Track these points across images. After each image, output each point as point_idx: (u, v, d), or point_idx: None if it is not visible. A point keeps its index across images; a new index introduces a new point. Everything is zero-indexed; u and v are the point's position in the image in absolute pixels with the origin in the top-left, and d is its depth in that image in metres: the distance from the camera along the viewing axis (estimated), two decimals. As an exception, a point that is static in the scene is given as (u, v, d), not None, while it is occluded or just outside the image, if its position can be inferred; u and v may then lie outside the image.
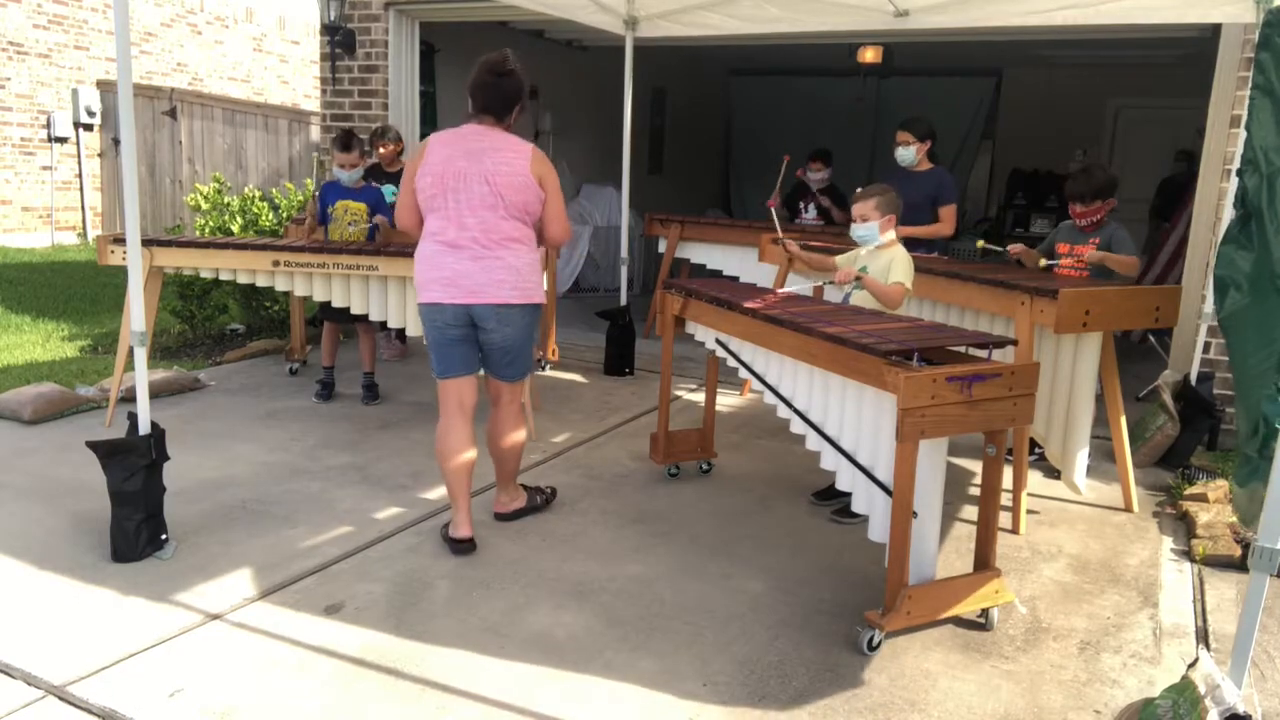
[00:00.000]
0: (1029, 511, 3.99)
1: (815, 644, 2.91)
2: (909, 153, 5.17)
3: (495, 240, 3.31)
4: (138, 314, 3.25)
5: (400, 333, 6.41)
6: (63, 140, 11.67)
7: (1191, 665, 2.29)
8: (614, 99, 6.81)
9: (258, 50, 14.23)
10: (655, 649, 2.84)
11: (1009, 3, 4.90)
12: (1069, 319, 3.63)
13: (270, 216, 6.60)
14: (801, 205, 6.92)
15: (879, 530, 3.08)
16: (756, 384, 3.62)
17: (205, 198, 6.60)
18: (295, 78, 14.80)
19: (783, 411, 3.46)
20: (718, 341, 3.84)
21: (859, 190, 3.87)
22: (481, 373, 3.55)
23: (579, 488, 4.16)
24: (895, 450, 2.78)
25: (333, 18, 7.21)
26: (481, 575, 3.28)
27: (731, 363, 3.76)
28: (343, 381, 5.56)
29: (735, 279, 6.66)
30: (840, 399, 3.16)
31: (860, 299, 3.84)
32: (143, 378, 3.25)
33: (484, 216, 3.29)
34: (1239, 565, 3.55)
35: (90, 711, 2.46)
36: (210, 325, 6.74)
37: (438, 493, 3.99)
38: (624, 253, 6.34)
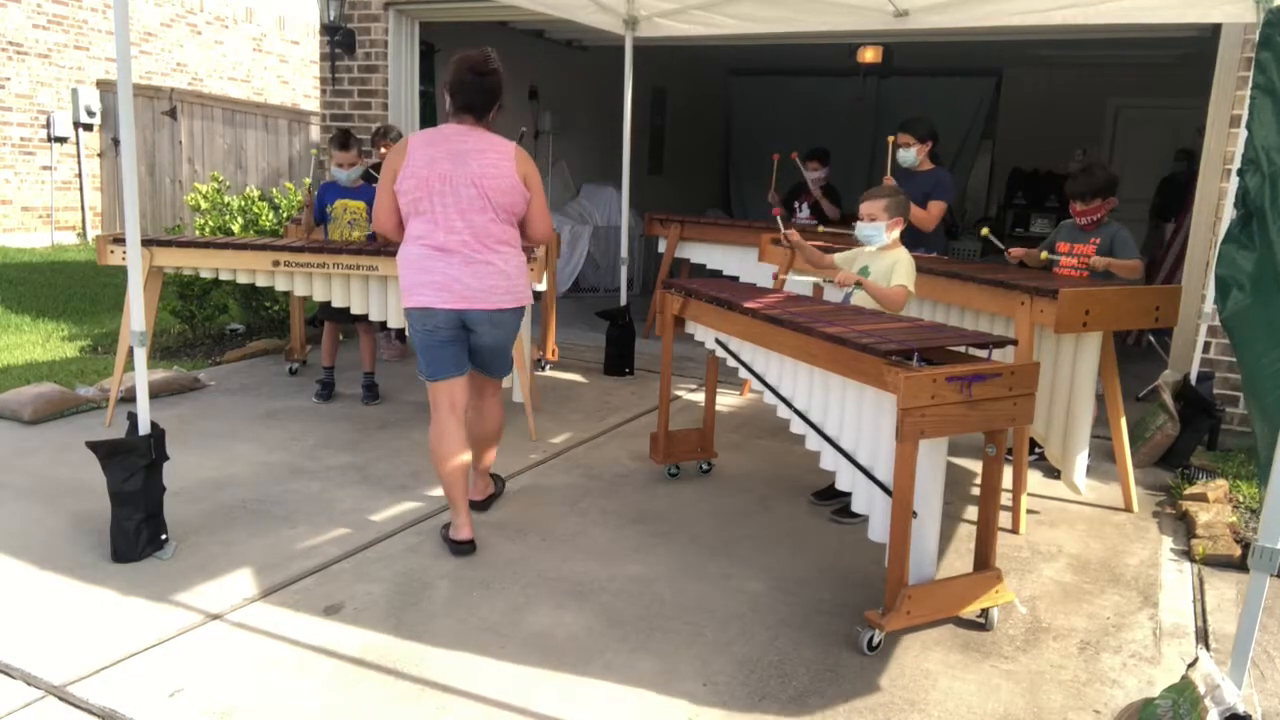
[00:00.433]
0: (1029, 511, 3.99)
1: (815, 644, 2.91)
2: (910, 154, 5.17)
3: (486, 244, 3.29)
4: (138, 314, 3.24)
5: (400, 333, 6.41)
6: (63, 140, 11.68)
7: (1191, 665, 2.28)
8: (614, 99, 6.81)
9: (258, 50, 14.23)
10: (655, 649, 2.84)
11: (1009, 3, 4.90)
12: (1069, 319, 3.63)
13: (270, 216, 6.60)
14: (796, 205, 6.91)
15: (879, 530, 3.08)
16: (756, 384, 3.62)
17: (205, 198, 6.60)
18: (295, 78, 14.80)
19: (783, 411, 3.46)
20: (718, 341, 3.84)
21: (870, 189, 3.85)
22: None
23: (579, 488, 4.16)
24: (895, 450, 2.78)
25: (333, 18, 7.21)
26: (481, 575, 3.28)
27: (731, 363, 3.76)
28: (343, 381, 5.56)
29: (735, 279, 6.66)
30: (840, 399, 3.16)
31: (861, 299, 3.83)
32: (143, 378, 3.25)
33: (473, 220, 3.26)
34: (1239, 565, 3.55)
35: (90, 711, 2.46)
36: (210, 325, 6.74)
37: (437, 492, 3.99)
38: (624, 253, 6.34)
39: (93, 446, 3.24)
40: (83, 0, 11.79)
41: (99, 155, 12.10)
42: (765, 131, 12.25)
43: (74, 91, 11.64)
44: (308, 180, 7.52)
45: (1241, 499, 4.17)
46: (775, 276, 4.21)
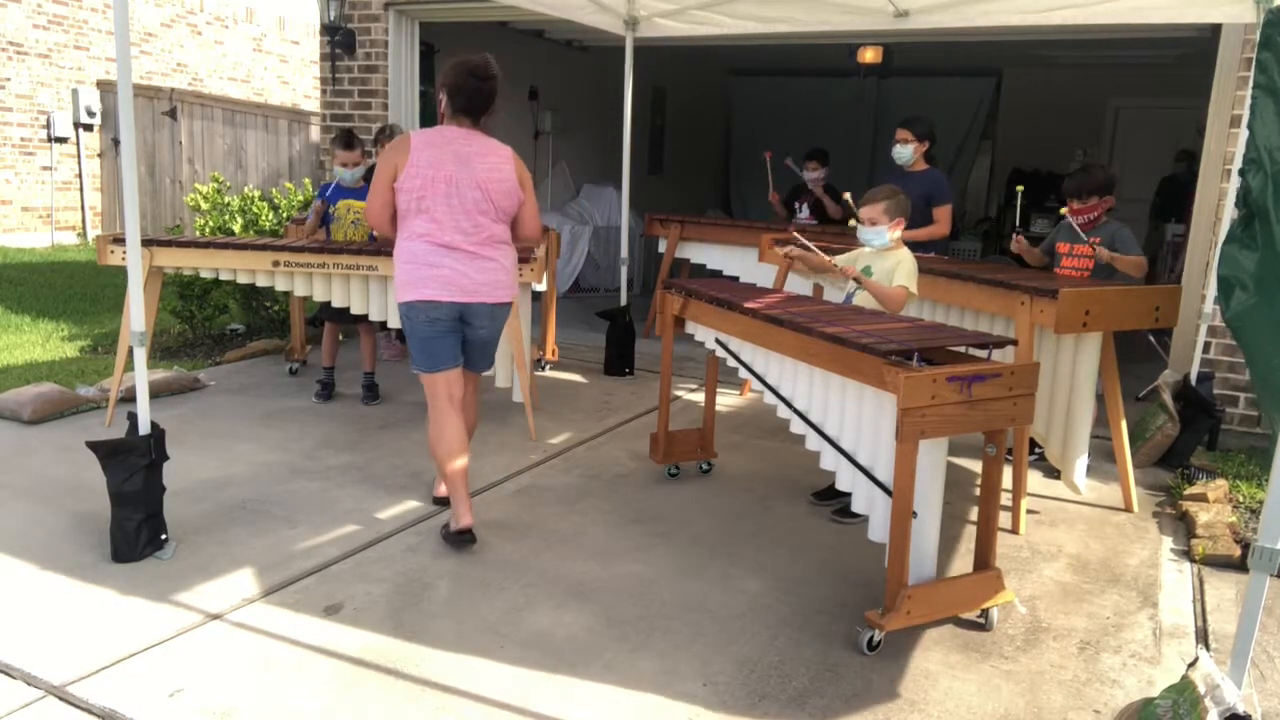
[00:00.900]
0: (1029, 511, 3.99)
1: (815, 644, 2.91)
2: (906, 151, 5.17)
3: (488, 242, 3.46)
4: (138, 314, 3.24)
5: (400, 333, 6.41)
6: (63, 140, 11.68)
7: (1191, 665, 2.28)
8: (614, 99, 6.81)
9: (258, 50, 14.24)
10: (655, 649, 2.84)
11: (1009, 2, 4.90)
12: (1069, 319, 3.63)
13: (270, 216, 6.60)
14: (797, 205, 6.92)
15: (879, 530, 3.08)
16: (756, 384, 3.62)
17: (205, 198, 6.60)
18: (295, 78, 14.80)
19: (783, 411, 3.46)
20: (718, 341, 3.84)
21: (867, 193, 3.86)
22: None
23: (579, 488, 4.16)
24: (895, 450, 2.78)
25: (333, 18, 7.21)
26: (481, 575, 3.28)
27: (731, 363, 3.76)
28: (343, 381, 5.56)
29: (735, 279, 6.66)
30: (840, 399, 3.16)
31: (861, 299, 3.84)
32: (143, 378, 3.25)
33: (477, 220, 3.42)
34: (1239, 565, 3.55)
35: (90, 711, 2.46)
36: (210, 325, 6.74)
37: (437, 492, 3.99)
38: (624, 253, 6.34)
39: (93, 446, 3.24)
40: (83, 0, 11.79)
41: (99, 155, 12.10)
42: (765, 131, 12.24)
43: (74, 92, 11.64)
44: (308, 181, 7.52)
45: (1241, 499, 4.17)
46: (784, 253, 4.20)
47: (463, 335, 3.55)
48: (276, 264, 4.76)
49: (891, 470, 2.87)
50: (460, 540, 3.45)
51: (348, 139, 5.15)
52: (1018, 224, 4.67)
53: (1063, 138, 10.83)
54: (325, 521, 3.68)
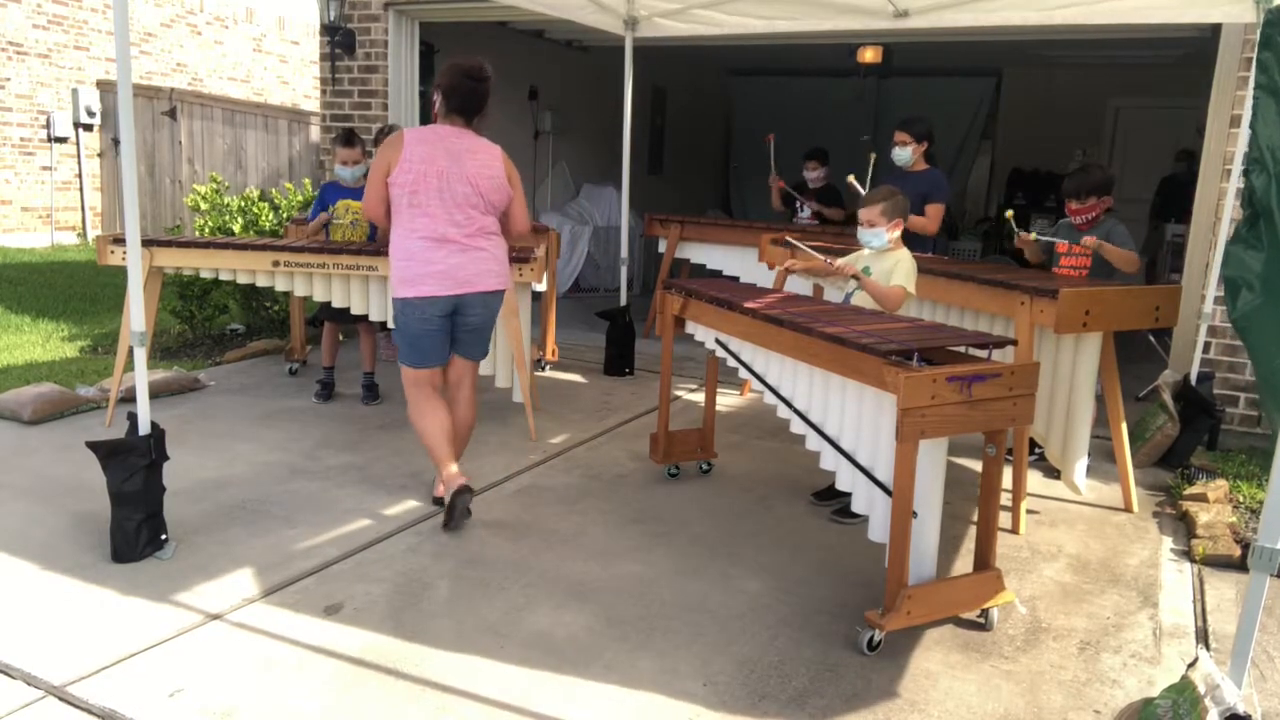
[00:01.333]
0: (1029, 511, 3.99)
1: (815, 644, 2.91)
2: (905, 153, 5.17)
3: (479, 233, 3.62)
4: (137, 314, 3.24)
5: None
6: (63, 140, 11.68)
7: (1191, 665, 2.28)
8: (614, 99, 6.81)
9: (257, 50, 14.23)
10: (655, 649, 2.84)
11: (1009, 2, 4.90)
12: (1069, 319, 3.63)
13: (270, 217, 6.60)
14: (798, 205, 6.91)
15: (879, 530, 3.08)
16: (756, 384, 3.62)
17: (204, 198, 6.60)
18: (295, 78, 14.80)
19: (783, 411, 3.46)
20: (718, 341, 3.84)
21: (865, 195, 3.86)
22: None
23: (579, 488, 4.16)
24: (895, 450, 2.78)
25: (333, 18, 7.21)
26: (481, 575, 3.28)
27: (731, 363, 3.76)
28: (343, 381, 5.56)
29: (735, 279, 6.65)
30: (840, 399, 3.16)
31: (861, 299, 3.84)
32: (142, 378, 3.25)
33: (469, 213, 3.58)
34: (1239, 565, 3.55)
35: (90, 711, 2.46)
36: (210, 325, 6.74)
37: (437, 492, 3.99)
38: (624, 253, 6.34)
39: (93, 446, 3.24)
40: (83, 0, 11.79)
41: (99, 155, 12.10)
42: (765, 131, 12.21)
43: (74, 92, 11.64)
44: (307, 181, 7.52)
45: (1241, 499, 4.17)
46: (778, 266, 4.20)
47: (454, 326, 3.70)
48: (276, 264, 4.76)
49: (891, 470, 2.87)
50: (462, 497, 3.54)
51: (348, 137, 5.16)
52: (1015, 235, 4.67)
53: (1063, 138, 10.83)
54: (325, 521, 3.68)
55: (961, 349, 3.11)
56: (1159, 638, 3.05)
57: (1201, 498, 4.07)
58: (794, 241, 4.08)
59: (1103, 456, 4.63)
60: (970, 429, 2.85)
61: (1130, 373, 5.26)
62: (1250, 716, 2.09)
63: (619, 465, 4.47)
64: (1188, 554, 3.70)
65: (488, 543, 3.54)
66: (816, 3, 5.37)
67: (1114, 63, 9.89)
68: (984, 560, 3.07)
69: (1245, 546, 3.61)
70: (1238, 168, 4.67)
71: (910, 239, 5.04)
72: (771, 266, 5.21)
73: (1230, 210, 4.71)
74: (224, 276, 4.93)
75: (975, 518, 3.17)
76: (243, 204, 6.58)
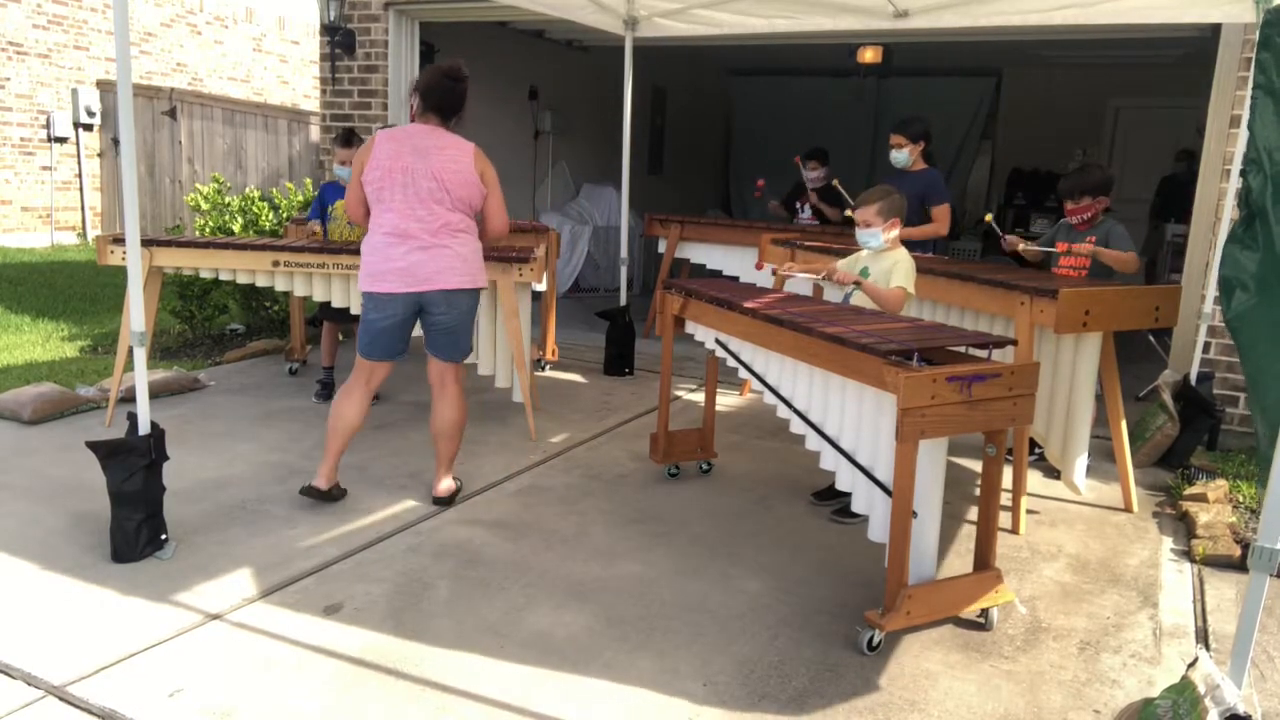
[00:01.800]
0: (1029, 511, 3.99)
1: (815, 644, 2.91)
2: (903, 155, 5.18)
3: (442, 231, 3.58)
4: (137, 314, 3.24)
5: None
6: (63, 140, 11.68)
7: (1191, 665, 2.28)
8: (614, 99, 6.81)
9: (257, 50, 14.23)
10: (655, 649, 2.84)
11: (1009, 3, 4.90)
12: (1069, 319, 3.63)
13: (270, 216, 6.60)
14: (798, 205, 6.91)
15: (879, 530, 3.08)
16: (756, 384, 3.62)
17: (205, 198, 6.60)
18: (295, 78, 14.80)
19: (783, 411, 3.46)
20: (717, 341, 3.84)
21: (861, 195, 3.86)
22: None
23: (579, 488, 4.16)
24: (895, 450, 2.78)
25: (333, 18, 7.21)
26: (481, 575, 3.28)
27: (731, 363, 3.76)
28: (342, 381, 5.55)
29: (735, 279, 6.65)
30: (840, 399, 3.16)
31: (860, 299, 3.84)
32: (142, 378, 3.25)
33: (432, 209, 3.55)
34: (1239, 565, 3.55)
35: (90, 711, 2.46)
36: (210, 325, 6.74)
37: (438, 493, 3.99)
38: (624, 253, 6.34)
39: (93, 446, 3.24)
40: (83, 0, 11.79)
41: (99, 155, 12.10)
42: (765, 131, 12.24)
43: (74, 91, 11.64)
44: (309, 181, 7.51)
45: (1241, 499, 4.17)
46: (774, 271, 4.20)
47: (425, 325, 3.71)
48: (276, 264, 4.76)
49: (891, 470, 2.87)
50: (308, 493, 3.74)
51: (347, 137, 5.16)
52: (1002, 235, 4.68)
53: (1063, 138, 10.83)
54: (325, 521, 3.68)
55: (961, 349, 3.11)
56: (1159, 638, 3.05)
57: (1201, 498, 4.07)
58: (786, 268, 4.07)
59: (1103, 456, 4.63)
60: (970, 429, 2.85)
61: (1130, 373, 5.26)
62: (1250, 716, 2.09)
63: (619, 465, 4.47)
64: (1188, 554, 3.70)
65: (488, 543, 3.54)
66: (816, 2, 5.37)
67: (1114, 63, 9.89)
68: (984, 560, 3.07)
69: (1245, 546, 3.61)
70: (1237, 168, 4.67)
71: (922, 243, 5.06)
72: (760, 268, 5.21)
73: (1230, 210, 4.71)
74: (224, 276, 4.93)
75: (975, 518, 3.17)
76: (243, 204, 6.58)
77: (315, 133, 10.17)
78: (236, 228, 6.40)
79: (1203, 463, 4.59)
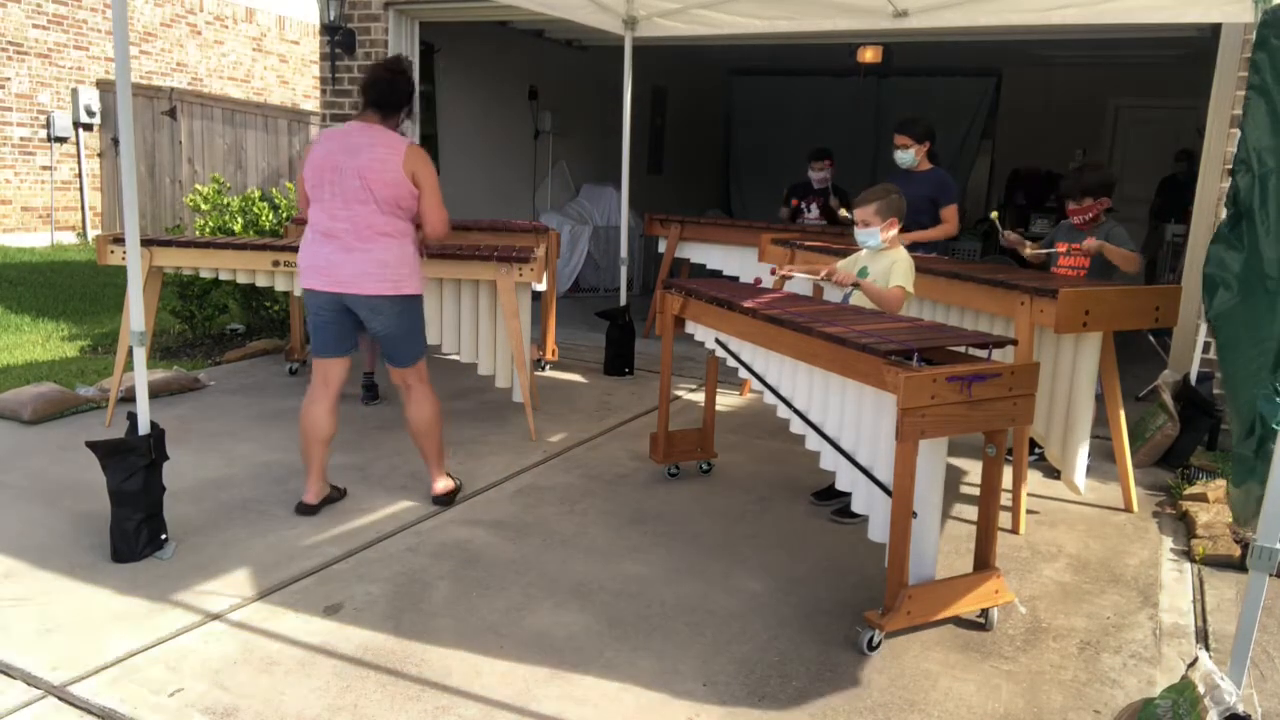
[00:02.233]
0: (1029, 511, 3.99)
1: (815, 644, 2.91)
2: (908, 155, 5.17)
3: (366, 233, 3.46)
4: (137, 314, 3.24)
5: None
6: (62, 140, 11.68)
7: (1191, 665, 2.29)
8: (614, 99, 6.81)
9: (258, 50, 14.23)
10: (655, 649, 2.84)
11: (1009, 2, 4.90)
12: (1069, 319, 3.63)
13: (270, 216, 6.60)
14: (805, 205, 6.91)
15: (879, 530, 3.08)
16: (756, 384, 3.62)
17: (205, 198, 6.60)
18: (295, 78, 14.80)
19: (783, 411, 3.46)
20: (717, 341, 3.84)
21: (860, 194, 3.86)
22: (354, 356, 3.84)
23: (579, 488, 4.16)
24: (895, 450, 2.78)
25: (332, 18, 7.21)
26: (481, 575, 3.28)
27: (731, 363, 3.76)
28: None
29: (735, 279, 6.66)
30: (840, 399, 3.16)
31: (860, 299, 3.84)
32: (142, 378, 3.25)
33: (356, 210, 3.44)
34: (1239, 565, 3.55)
35: (90, 711, 2.46)
36: (210, 325, 6.74)
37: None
38: (624, 253, 6.34)
39: (93, 446, 3.24)
40: (83, 0, 11.79)
41: (99, 155, 12.10)
42: (765, 131, 12.24)
43: (74, 91, 11.64)
44: None
45: (1241, 499, 4.17)
46: (773, 271, 4.21)
47: (361, 327, 3.67)
48: (276, 264, 4.77)
49: (891, 470, 2.87)
50: (300, 509, 3.71)
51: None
52: (1003, 232, 4.67)
53: (1063, 138, 10.83)
54: (325, 521, 3.68)
55: (961, 349, 3.11)
56: (1159, 638, 3.05)
57: (1201, 498, 4.07)
58: (786, 269, 4.07)
59: (1103, 456, 4.63)
60: (970, 429, 2.85)
61: (1130, 373, 5.26)
62: (1250, 716, 2.09)
63: (619, 465, 4.47)
64: (1188, 554, 3.70)
65: (488, 543, 3.54)
66: (816, 2, 5.37)
67: (1114, 63, 9.89)
68: (984, 560, 3.07)
69: (1245, 546, 3.61)
70: (1228, 168, 4.67)
71: (942, 245, 5.05)
72: (762, 261, 5.21)
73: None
74: (224, 276, 4.94)
75: (975, 518, 3.17)
76: (243, 204, 6.58)
77: (315, 133, 10.17)
78: (237, 228, 6.40)
79: (1203, 463, 4.59)
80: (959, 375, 2.75)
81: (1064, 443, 4.03)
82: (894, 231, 3.77)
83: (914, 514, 2.89)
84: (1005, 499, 3.81)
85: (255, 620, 2.93)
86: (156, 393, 5.08)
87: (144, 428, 3.25)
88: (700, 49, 10.21)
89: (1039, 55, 9.65)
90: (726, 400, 5.63)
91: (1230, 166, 4.85)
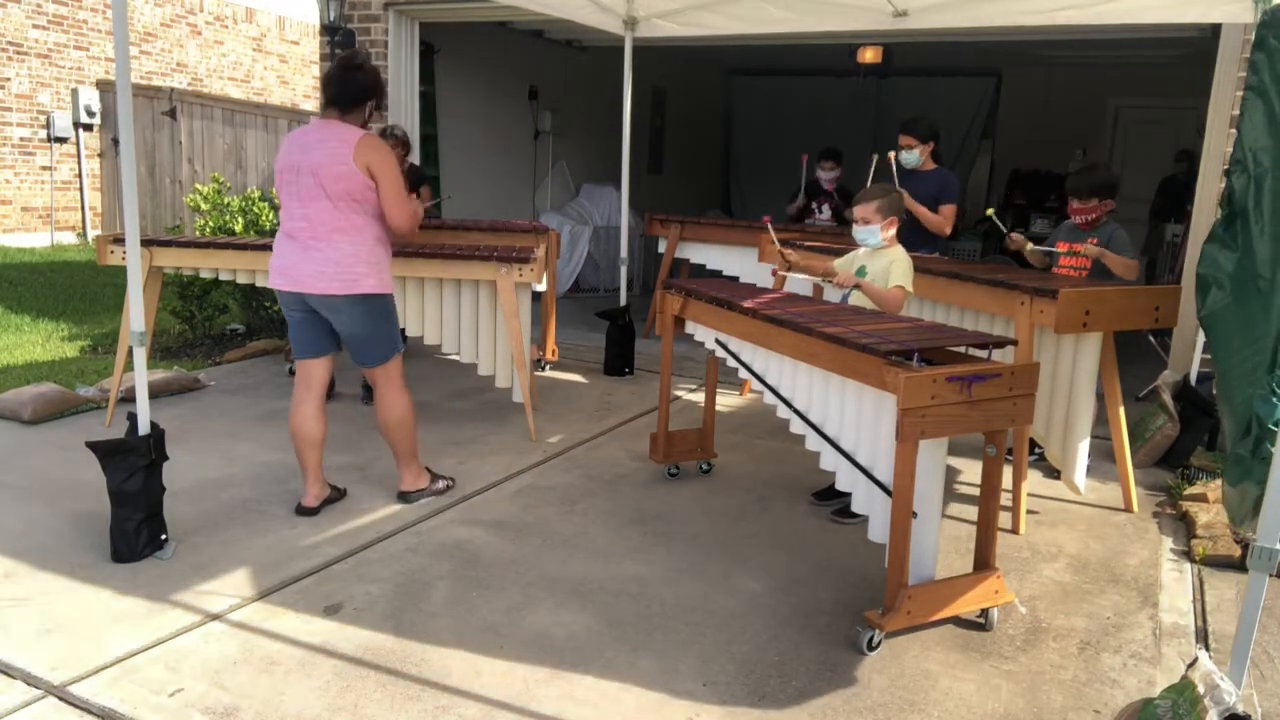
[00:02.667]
0: (1029, 511, 3.99)
1: (815, 644, 2.91)
2: (913, 155, 5.16)
3: (321, 230, 3.43)
4: (137, 314, 3.25)
5: (400, 332, 6.40)
6: (62, 140, 11.67)
7: (1191, 665, 2.29)
8: (614, 99, 6.81)
9: (258, 50, 14.23)
10: (655, 649, 2.84)
11: (1009, 3, 4.90)
12: (1069, 319, 3.63)
13: (271, 216, 6.60)
14: (814, 206, 6.92)
15: (879, 530, 3.08)
16: (756, 384, 3.62)
17: (205, 198, 6.60)
18: (295, 78, 14.80)
19: (783, 411, 3.46)
20: (717, 341, 3.84)
21: (860, 192, 3.86)
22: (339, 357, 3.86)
23: (579, 488, 4.16)
24: (895, 450, 2.78)
25: (332, 18, 7.21)
26: (481, 575, 3.28)
27: (731, 363, 3.76)
28: (342, 381, 5.56)
29: (735, 279, 6.66)
30: (840, 399, 3.16)
31: (859, 299, 3.84)
32: (142, 378, 3.25)
33: (310, 207, 3.42)
34: (1239, 565, 3.55)
35: (90, 711, 2.46)
36: (210, 325, 6.74)
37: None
38: (624, 253, 6.34)
39: (93, 446, 3.24)
40: (83, 0, 11.79)
41: (99, 155, 12.10)
42: (765, 131, 12.25)
43: (74, 91, 11.64)
44: None
45: (1241, 499, 4.17)
46: (774, 272, 4.21)
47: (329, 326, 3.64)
48: (276, 264, 4.76)
49: (891, 470, 2.87)
50: (300, 511, 3.71)
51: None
52: (1007, 232, 4.67)
53: (1063, 138, 10.83)
54: (325, 521, 3.68)
55: (961, 349, 3.11)
56: (1159, 638, 3.05)
57: (1201, 498, 4.07)
58: (786, 253, 4.05)
59: (1103, 456, 4.63)
60: (970, 429, 2.85)
61: (1130, 373, 5.26)
62: (1250, 716, 2.09)
63: (619, 465, 4.47)
64: (1188, 554, 3.70)
65: (488, 543, 3.54)
66: (816, 2, 5.37)
67: (1114, 63, 9.89)
68: (984, 560, 3.07)
69: (1245, 546, 3.61)
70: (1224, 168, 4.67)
71: (923, 241, 5.05)
72: (762, 261, 5.21)
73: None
74: (224, 276, 4.94)
75: (975, 518, 3.17)
76: (243, 204, 6.58)
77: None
78: (237, 228, 6.40)
79: (1203, 463, 4.59)
80: (959, 375, 2.75)
81: (1064, 443, 4.03)
82: (893, 230, 3.78)
83: (914, 514, 2.89)
84: (1005, 499, 3.81)
85: (255, 620, 2.93)
86: (156, 393, 5.08)
87: (144, 428, 3.25)
88: (700, 49, 10.21)
89: (1039, 55, 9.65)
90: (726, 400, 5.63)
91: (1227, 167, 4.87)
